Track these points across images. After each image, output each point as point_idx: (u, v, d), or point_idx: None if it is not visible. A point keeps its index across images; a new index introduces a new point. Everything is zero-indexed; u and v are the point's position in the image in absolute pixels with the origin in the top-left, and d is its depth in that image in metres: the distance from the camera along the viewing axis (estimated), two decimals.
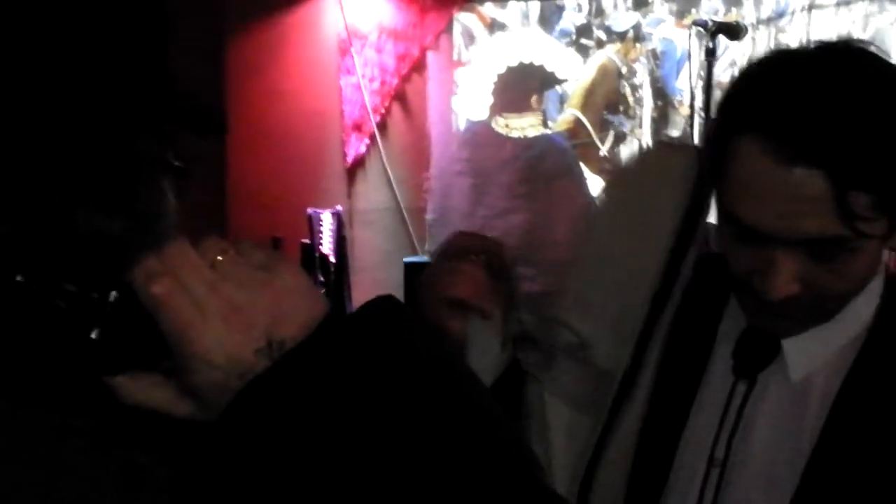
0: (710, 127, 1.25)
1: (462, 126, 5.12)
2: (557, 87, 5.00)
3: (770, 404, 1.22)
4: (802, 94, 1.09)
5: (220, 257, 0.68)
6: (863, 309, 1.23)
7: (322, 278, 4.70)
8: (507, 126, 5.05)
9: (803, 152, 1.07)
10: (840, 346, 1.22)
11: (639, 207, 1.29)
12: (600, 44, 4.87)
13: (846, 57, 1.14)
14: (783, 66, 1.15)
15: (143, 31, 0.74)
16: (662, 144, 1.28)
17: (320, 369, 0.66)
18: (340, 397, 0.65)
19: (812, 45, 1.16)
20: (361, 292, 5.04)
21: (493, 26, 5.06)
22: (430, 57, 5.08)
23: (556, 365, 1.30)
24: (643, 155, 1.38)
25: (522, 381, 1.32)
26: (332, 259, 4.75)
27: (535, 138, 5.01)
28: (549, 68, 4.99)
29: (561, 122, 4.98)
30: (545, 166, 4.95)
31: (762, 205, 1.11)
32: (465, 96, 5.11)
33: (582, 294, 1.32)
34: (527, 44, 5.02)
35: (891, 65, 1.14)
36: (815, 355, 1.22)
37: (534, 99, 5.02)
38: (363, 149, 5.12)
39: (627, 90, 4.82)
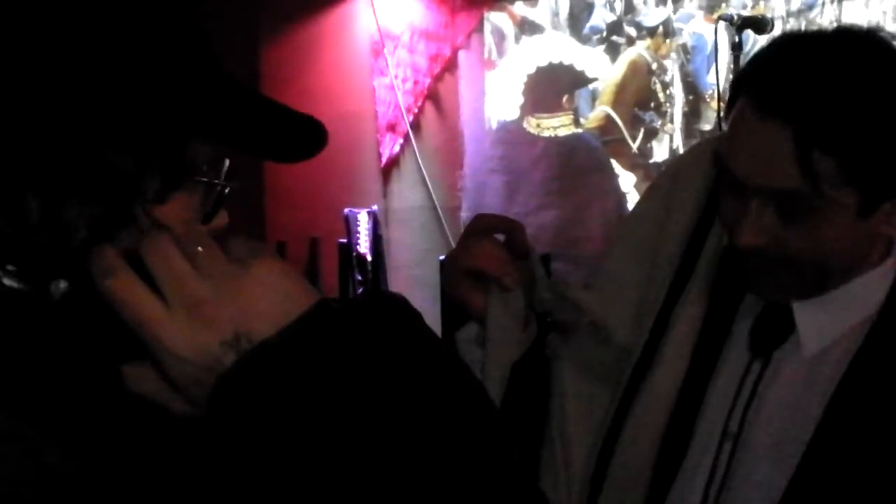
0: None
1: (494, 126, 5.15)
2: (588, 85, 5.03)
3: (783, 380, 1.26)
4: (789, 62, 1.18)
5: (199, 249, 0.67)
6: (876, 288, 1.26)
7: (360, 277, 4.76)
8: (538, 126, 5.08)
9: (775, 106, 1.14)
10: (853, 323, 1.25)
11: (670, 193, 1.36)
12: (630, 41, 4.89)
13: (848, 38, 1.21)
14: (786, 43, 1.24)
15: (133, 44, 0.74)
16: (701, 140, 1.37)
17: (286, 367, 0.65)
18: (309, 395, 0.64)
19: (827, 31, 1.26)
20: (399, 290, 5.09)
21: (524, 24, 5.09)
22: (462, 56, 5.12)
23: (577, 340, 1.34)
24: (684, 153, 1.45)
25: (547, 361, 1.36)
26: (369, 258, 4.81)
27: (566, 137, 5.04)
28: (578, 67, 5.01)
29: (592, 119, 5.00)
30: (577, 163, 4.97)
31: (742, 153, 1.19)
32: (496, 96, 5.15)
33: (616, 273, 1.38)
34: (556, 44, 5.04)
35: (891, 50, 1.19)
36: (827, 331, 1.26)
37: (565, 98, 5.04)
38: (397, 149, 5.17)
39: (658, 86, 4.83)
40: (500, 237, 1.32)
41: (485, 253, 1.28)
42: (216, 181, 0.80)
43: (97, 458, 0.74)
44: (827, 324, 1.26)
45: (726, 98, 1.48)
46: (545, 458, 1.35)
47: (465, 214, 5.10)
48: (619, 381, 1.33)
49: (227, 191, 0.81)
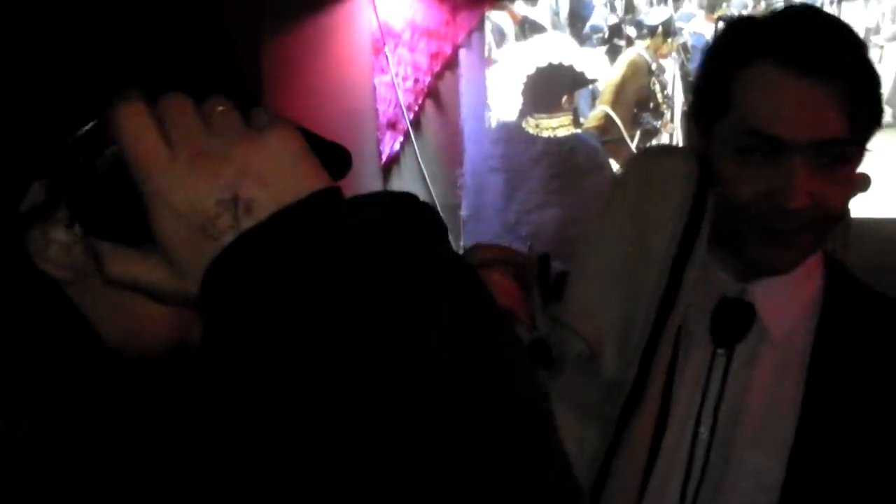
0: (702, 73, 1.36)
1: (494, 125, 5.16)
2: (588, 86, 5.04)
3: (759, 373, 1.29)
4: (809, 24, 1.27)
5: (218, 108, 0.64)
6: (813, 269, 1.35)
7: None
8: (537, 126, 5.09)
9: (816, 65, 1.22)
10: (805, 301, 1.33)
11: (641, 213, 1.36)
12: (630, 41, 4.90)
13: (810, 8, 1.38)
14: (766, 16, 1.33)
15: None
16: (662, 149, 1.34)
17: (286, 257, 0.59)
18: (311, 294, 0.58)
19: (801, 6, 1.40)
20: None
21: (524, 23, 5.10)
22: (463, 55, 5.13)
23: (565, 374, 1.34)
24: (643, 161, 1.42)
25: None
26: None
27: (566, 137, 5.04)
28: (578, 68, 5.01)
29: (591, 118, 5.01)
30: (576, 163, 4.98)
31: (784, 114, 1.24)
32: (495, 96, 5.16)
33: (589, 302, 1.36)
34: (556, 44, 5.05)
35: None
36: (786, 312, 1.32)
37: (564, 99, 5.06)
38: (398, 146, 5.18)
39: (657, 86, 4.84)
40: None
41: (504, 291, 1.27)
42: None
43: (47, 417, 0.72)
44: (785, 305, 1.33)
45: None
46: None
47: (464, 213, 5.11)
48: (610, 416, 1.33)
49: None
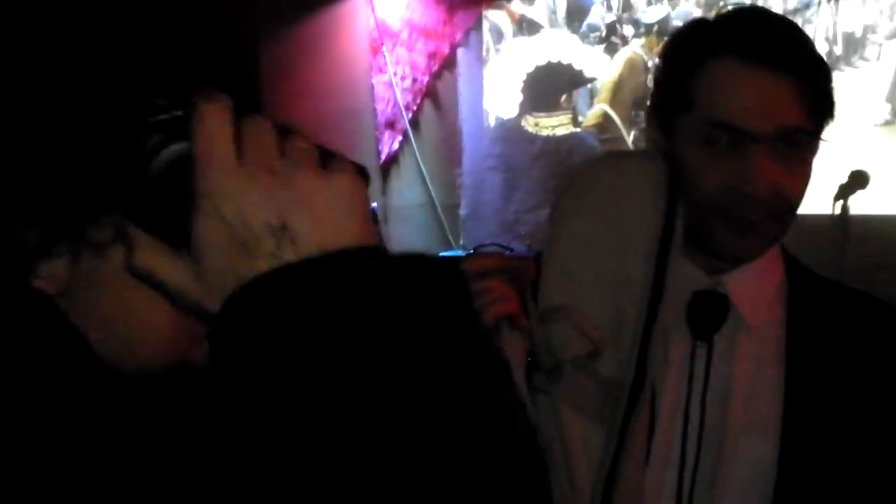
0: (661, 70, 1.40)
1: (493, 123, 5.17)
2: (587, 85, 5.04)
3: (739, 361, 1.33)
4: (755, 21, 1.32)
5: (298, 143, 0.64)
6: (774, 259, 1.39)
7: None
8: (536, 125, 5.10)
9: (777, 59, 1.27)
10: (773, 287, 1.38)
11: (615, 213, 1.37)
12: (625, 40, 4.91)
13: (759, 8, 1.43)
14: (740, 13, 1.37)
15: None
16: (622, 154, 1.38)
17: (312, 301, 0.59)
18: (329, 343, 0.58)
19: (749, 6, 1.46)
20: None
21: (522, 22, 5.11)
22: (461, 54, 5.14)
23: (566, 378, 1.35)
24: (606, 167, 1.42)
25: (530, 394, 1.35)
26: None
27: (565, 136, 5.05)
28: (577, 67, 5.03)
29: (590, 116, 5.02)
30: (575, 162, 4.98)
31: (749, 105, 1.28)
32: (494, 95, 5.17)
33: (578, 300, 1.38)
34: (555, 43, 5.06)
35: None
36: (758, 299, 1.36)
37: (563, 98, 5.07)
38: (396, 146, 5.19)
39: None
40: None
41: (502, 296, 1.27)
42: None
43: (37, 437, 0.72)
44: (756, 292, 1.37)
45: None
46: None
47: (463, 212, 5.12)
48: (612, 417, 1.34)
49: None
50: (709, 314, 1.36)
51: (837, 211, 3.15)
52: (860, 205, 3.33)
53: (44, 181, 0.71)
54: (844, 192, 3.19)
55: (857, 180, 3.20)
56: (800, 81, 1.26)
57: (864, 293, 1.40)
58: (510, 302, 1.26)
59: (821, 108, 1.29)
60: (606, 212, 1.37)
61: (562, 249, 1.40)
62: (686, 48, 1.33)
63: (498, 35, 5.16)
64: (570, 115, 5.04)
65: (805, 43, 1.32)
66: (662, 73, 1.38)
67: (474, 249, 4.74)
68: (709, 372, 1.34)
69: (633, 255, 1.35)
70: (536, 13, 5.10)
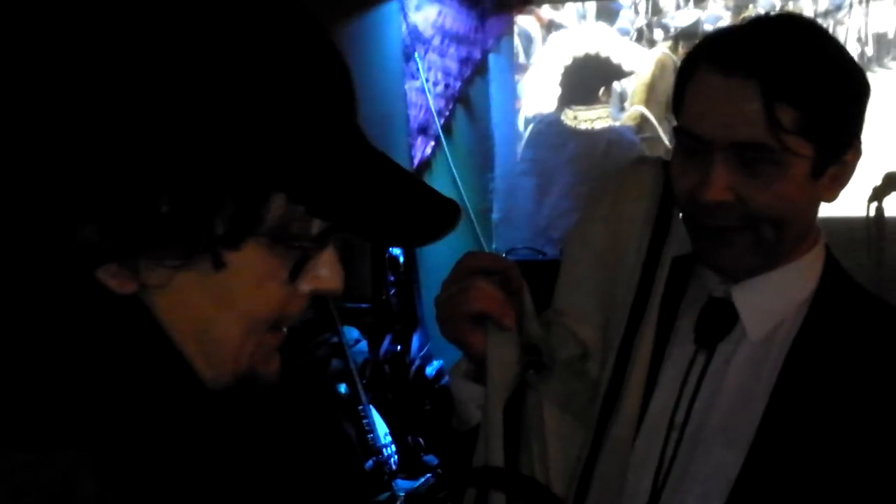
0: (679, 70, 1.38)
1: (522, 127, 5.18)
2: (616, 86, 5.05)
3: (729, 369, 1.33)
4: (750, 27, 1.29)
5: None
6: (808, 274, 1.35)
7: (392, 278, 4.80)
8: (575, 118, 5.10)
9: (741, 63, 1.23)
10: (791, 308, 1.34)
11: (617, 220, 1.40)
12: (653, 44, 4.92)
13: (789, 17, 1.36)
14: (736, 25, 1.34)
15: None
16: (636, 160, 1.37)
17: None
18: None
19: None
20: (430, 291, 5.14)
21: (551, 28, 5.12)
22: (492, 60, 5.16)
23: (555, 377, 1.37)
24: (620, 171, 1.45)
25: (524, 392, 1.37)
26: (402, 259, 4.85)
27: (603, 130, 5.05)
28: (614, 60, 5.03)
29: (626, 118, 5.02)
30: (614, 157, 4.96)
31: (705, 113, 1.26)
32: (533, 90, 5.17)
33: (579, 305, 1.41)
34: (592, 36, 5.06)
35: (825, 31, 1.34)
36: (768, 315, 1.34)
37: (601, 91, 5.07)
38: (429, 151, 5.21)
39: None
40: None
41: (485, 295, 1.29)
42: (296, 242, 0.76)
43: (144, 489, 0.73)
44: (767, 309, 1.34)
45: None
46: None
47: (496, 216, 5.14)
48: (592, 417, 1.37)
49: (311, 253, 0.78)
50: (716, 321, 1.36)
51: (872, 213, 3.15)
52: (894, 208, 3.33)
53: (120, 175, 0.68)
54: (879, 194, 3.19)
55: (892, 182, 3.20)
56: (769, 96, 1.21)
57: (889, 308, 1.35)
58: (493, 301, 1.29)
59: (796, 121, 1.23)
60: (610, 219, 1.41)
61: (573, 253, 1.44)
62: (688, 59, 1.33)
63: (528, 41, 5.18)
64: (608, 109, 5.04)
65: (801, 61, 1.24)
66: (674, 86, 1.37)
67: (506, 254, 4.76)
68: (702, 380, 1.35)
69: (624, 258, 1.38)
70: (565, 17, 5.11)
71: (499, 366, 1.31)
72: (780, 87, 1.22)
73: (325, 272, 0.80)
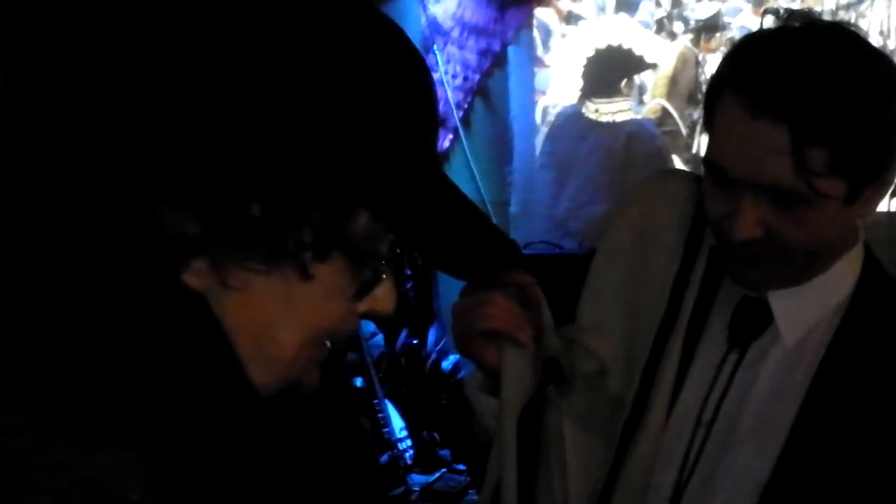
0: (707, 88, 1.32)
1: (540, 120, 5.15)
2: (636, 78, 5.01)
3: (762, 369, 1.30)
4: (777, 57, 1.20)
5: None
6: (846, 275, 1.32)
7: (409, 272, 4.79)
8: (597, 111, 5.07)
9: (769, 105, 1.17)
10: (827, 310, 1.31)
11: (646, 234, 1.38)
12: (674, 37, 4.88)
13: (825, 32, 1.24)
14: (769, 36, 1.26)
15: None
16: (667, 172, 1.34)
17: None
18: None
19: (799, 24, 1.27)
20: (448, 285, 5.12)
21: (570, 19, 5.09)
22: (512, 52, 5.13)
23: (575, 391, 1.36)
24: (648, 183, 1.43)
25: (543, 405, 1.37)
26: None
27: (625, 122, 5.02)
28: (637, 52, 4.99)
29: (647, 111, 4.99)
30: (635, 150, 4.93)
31: (733, 151, 1.22)
32: (553, 82, 5.14)
33: (599, 320, 1.39)
34: (614, 27, 5.02)
35: (861, 39, 1.24)
36: (804, 319, 1.31)
37: (623, 83, 5.03)
38: (447, 144, 5.19)
39: (704, 79, 4.81)
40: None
41: (500, 313, 1.28)
42: (373, 261, 0.80)
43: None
44: (804, 312, 1.31)
45: None
46: (543, 497, 1.38)
47: (514, 209, 5.12)
48: (614, 432, 1.35)
49: (382, 276, 0.81)
50: (750, 321, 1.34)
51: (893, 208, 3.12)
52: None
53: (219, 172, 0.71)
54: None
55: None
56: (788, 133, 1.16)
57: None
58: (509, 318, 1.28)
59: (826, 162, 1.17)
60: (637, 229, 1.39)
61: (598, 264, 1.42)
62: (715, 80, 1.27)
63: (546, 34, 5.15)
64: (629, 102, 5.00)
65: (832, 97, 1.16)
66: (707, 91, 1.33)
67: (524, 247, 4.74)
68: (733, 378, 1.32)
69: (653, 273, 1.36)
70: (584, 9, 5.08)
71: (512, 383, 1.30)
72: (811, 130, 1.16)
73: (381, 294, 0.83)
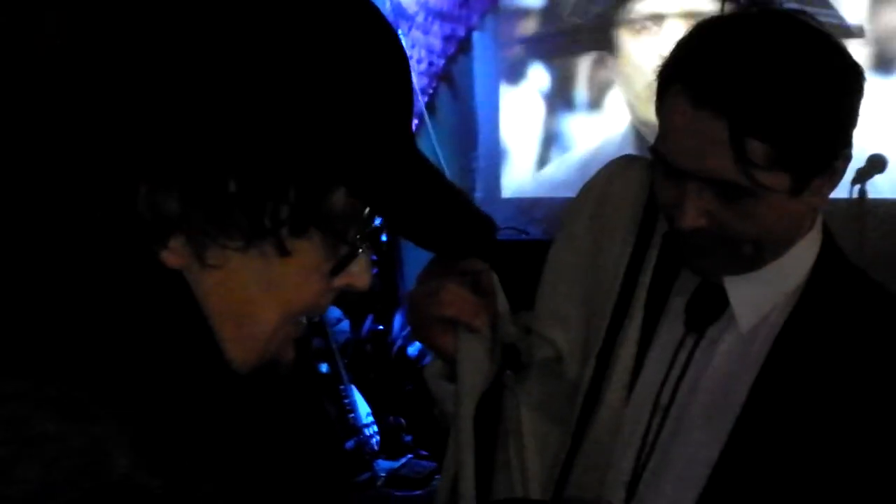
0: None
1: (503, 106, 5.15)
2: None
3: (717, 354, 1.31)
4: (722, 47, 1.19)
5: None
6: (803, 260, 1.32)
7: (375, 256, 4.78)
8: None
9: (710, 97, 1.16)
10: (782, 295, 1.31)
11: (601, 221, 1.39)
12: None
13: (776, 21, 1.22)
14: (719, 24, 1.24)
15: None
16: (624, 159, 1.33)
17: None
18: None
19: (748, 10, 1.25)
20: (413, 271, 5.12)
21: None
22: (476, 37, 5.13)
23: (533, 377, 1.37)
24: (607, 169, 1.43)
25: (501, 391, 1.38)
26: (384, 237, 4.83)
27: None
28: None
29: None
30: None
31: (676, 143, 1.21)
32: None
33: (556, 307, 1.40)
34: None
35: (814, 30, 1.21)
36: (760, 305, 1.31)
37: None
38: (412, 129, 5.18)
39: None
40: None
41: (454, 300, 1.29)
42: (349, 238, 0.80)
43: (184, 474, 0.74)
44: (759, 298, 1.32)
45: None
46: (502, 482, 1.39)
47: (479, 195, 5.12)
48: (570, 418, 1.36)
49: (358, 252, 0.81)
50: (707, 305, 1.35)
51: (855, 195, 3.15)
52: (878, 189, 3.33)
53: (197, 149, 0.71)
54: (863, 176, 3.18)
55: (875, 165, 3.19)
56: (738, 132, 1.15)
57: (884, 293, 1.31)
58: (464, 305, 1.29)
59: (767, 155, 1.16)
60: (593, 216, 1.39)
61: (556, 253, 1.42)
62: (664, 69, 1.25)
63: (513, 17, 5.14)
64: None
65: (774, 88, 1.15)
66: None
67: None
68: (689, 362, 1.33)
69: (606, 260, 1.36)
70: None
71: (469, 369, 1.31)
72: (750, 123, 1.15)
73: (357, 269, 0.83)
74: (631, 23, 4.73)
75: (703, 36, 1.23)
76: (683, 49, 1.24)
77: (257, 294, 0.77)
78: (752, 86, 1.15)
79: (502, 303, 1.33)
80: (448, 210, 0.84)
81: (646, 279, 1.35)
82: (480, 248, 0.86)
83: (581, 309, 1.38)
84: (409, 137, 0.83)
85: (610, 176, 1.43)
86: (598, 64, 4.87)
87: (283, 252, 0.75)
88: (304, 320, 0.85)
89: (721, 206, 1.21)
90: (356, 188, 0.76)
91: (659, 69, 1.26)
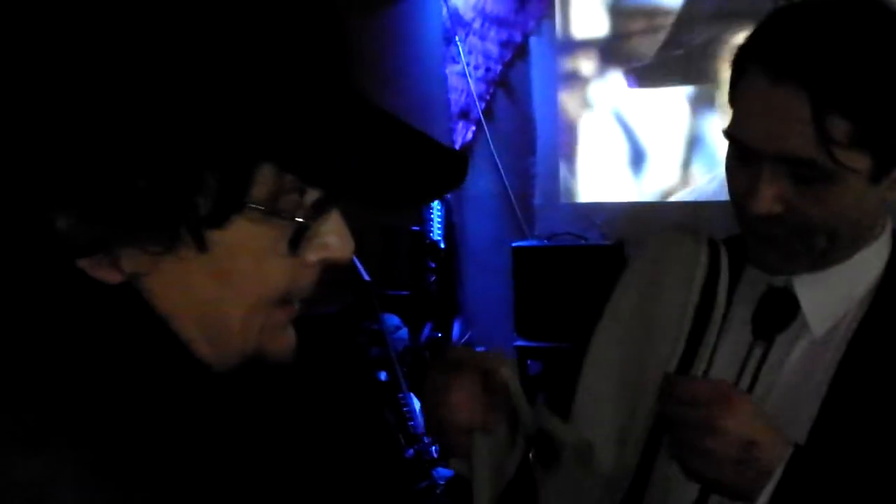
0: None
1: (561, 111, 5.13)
2: None
3: (788, 362, 1.27)
4: (800, 26, 1.17)
5: None
6: (872, 267, 1.28)
7: (433, 264, 4.78)
8: None
9: (790, 72, 1.13)
10: (855, 299, 1.27)
11: (647, 309, 1.35)
12: None
13: (851, 3, 1.19)
14: (792, 10, 1.22)
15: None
16: (668, 235, 1.28)
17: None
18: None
19: None
20: (471, 277, 5.11)
21: None
22: (533, 42, 5.11)
23: (563, 471, 1.33)
24: (657, 241, 1.40)
25: (530, 484, 1.33)
26: (442, 245, 4.83)
27: None
28: None
29: None
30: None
31: (753, 122, 1.19)
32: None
33: (588, 399, 1.36)
34: None
35: (892, 13, 1.18)
36: (831, 309, 1.27)
37: None
38: (470, 136, 5.18)
39: None
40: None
41: (464, 405, 1.26)
42: (290, 214, 0.72)
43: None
44: (831, 303, 1.27)
45: None
46: None
47: (537, 201, 5.10)
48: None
49: (309, 223, 0.74)
50: (776, 312, 1.30)
51: None
52: None
53: (83, 155, 0.64)
54: None
55: None
56: (819, 107, 1.12)
57: None
58: (473, 411, 1.26)
59: (849, 133, 1.13)
60: (641, 303, 1.36)
61: (602, 332, 1.38)
62: (740, 53, 1.24)
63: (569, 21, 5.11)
64: None
65: (856, 64, 1.13)
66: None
67: (548, 239, 4.72)
68: (759, 371, 1.29)
69: (656, 352, 1.32)
70: None
71: (484, 464, 1.28)
72: (832, 97, 1.12)
73: (333, 240, 0.77)
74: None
75: (780, 18, 1.21)
76: (760, 33, 1.22)
77: (213, 290, 0.72)
78: (834, 59, 1.13)
79: (517, 394, 1.27)
80: (403, 159, 0.77)
81: (709, 340, 1.32)
82: (451, 185, 0.79)
83: (617, 395, 1.35)
84: (349, 91, 0.74)
85: (663, 248, 1.39)
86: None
87: (203, 247, 0.69)
88: (298, 304, 0.78)
89: (796, 192, 1.18)
90: (283, 161, 0.69)
91: (735, 55, 1.24)
